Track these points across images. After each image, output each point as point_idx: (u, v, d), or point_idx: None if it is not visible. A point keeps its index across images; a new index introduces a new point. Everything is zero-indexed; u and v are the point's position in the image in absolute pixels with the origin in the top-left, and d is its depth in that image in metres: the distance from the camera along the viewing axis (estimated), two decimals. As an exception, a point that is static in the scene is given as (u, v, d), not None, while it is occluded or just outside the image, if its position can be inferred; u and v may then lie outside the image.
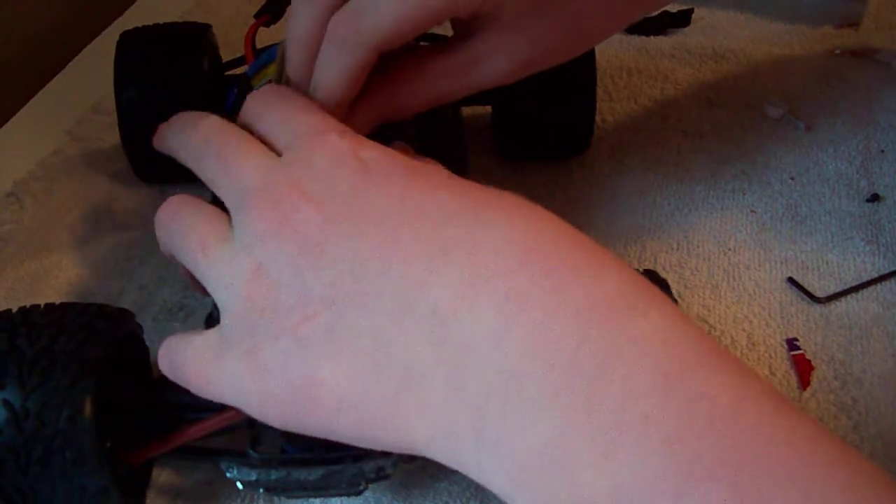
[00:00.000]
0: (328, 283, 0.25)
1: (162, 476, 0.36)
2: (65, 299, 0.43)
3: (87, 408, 0.29)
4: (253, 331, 0.26)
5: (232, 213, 0.28)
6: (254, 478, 0.30)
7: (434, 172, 0.28)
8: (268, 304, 0.26)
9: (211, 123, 0.31)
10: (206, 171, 0.30)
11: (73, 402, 0.28)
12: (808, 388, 0.38)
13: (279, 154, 0.29)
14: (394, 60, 0.34)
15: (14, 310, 0.31)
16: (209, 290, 0.28)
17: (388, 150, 0.28)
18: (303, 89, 0.35)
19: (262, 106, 0.31)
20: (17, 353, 0.29)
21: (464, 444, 0.24)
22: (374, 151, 0.28)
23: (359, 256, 0.25)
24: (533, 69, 0.35)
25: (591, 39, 0.38)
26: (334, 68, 0.32)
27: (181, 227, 0.29)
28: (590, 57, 0.47)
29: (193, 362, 0.28)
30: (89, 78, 0.59)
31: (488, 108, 0.50)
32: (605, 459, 0.21)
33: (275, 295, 0.26)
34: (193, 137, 0.31)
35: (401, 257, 0.25)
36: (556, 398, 0.22)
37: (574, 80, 0.47)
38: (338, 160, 0.27)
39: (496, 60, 0.34)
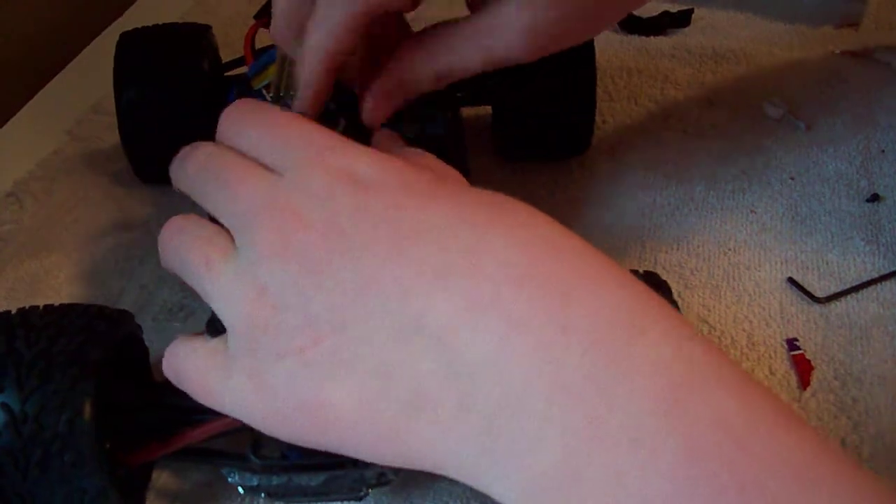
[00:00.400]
0: (332, 307, 0.25)
1: (161, 478, 0.35)
2: (65, 299, 0.44)
3: (87, 410, 0.28)
4: (257, 350, 0.26)
5: (234, 235, 0.28)
6: (255, 483, 0.30)
7: (432, 183, 0.27)
8: (271, 324, 0.26)
9: (205, 151, 0.31)
10: (207, 197, 0.30)
11: (72, 405, 0.28)
12: (808, 388, 0.38)
13: (271, 170, 0.29)
14: (407, 37, 0.34)
15: (13, 311, 0.31)
16: (213, 306, 0.28)
17: (385, 161, 0.28)
18: (285, 48, 0.35)
19: (243, 121, 0.31)
20: (16, 356, 0.29)
21: (474, 465, 0.24)
22: (370, 166, 0.27)
23: (359, 282, 0.25)
24: (550, 44, 0.34)
25: (609, 15, 0.37)
26: (326, 27, 0.32)
27: (184, 244, 0.29)
28: (590, 57, 0.47)
29: (197, 372, 0.28)
30: (89, 78, 0.59)
31: (488, 109, 0.50)
32: (612, 486, 0.21)
33: (279, 316, 0.26)
34: (191, 167, 0.31)
35: (400, 284, 0.25)
36: (562, 424, 0.22)
37: (574, 80, 0.47)
38: (335, 181, 0.27)
39: (512, 30, 0.33)
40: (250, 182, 0.28)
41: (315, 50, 0.33)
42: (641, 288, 0.25)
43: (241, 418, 0.27)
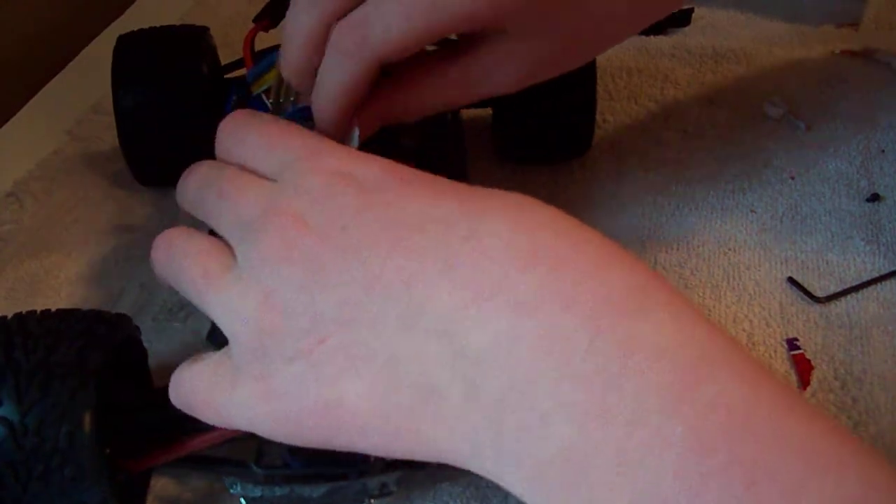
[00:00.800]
0: (337, 306, 0.25)
1: (160, 483, 0.35)
2: (64, 300, 0.44)
3: (87, 422, 0.28)
4: (264, 357, 0.26)
5: (235, 245, 0.28)
6: (258, 494, 0.30)
7: (431, 179, 0.28)
8: (278, 329, 0.26)
9: (206, 167, 0.31)
10: (209, 212, 0.30)
11: (72, 417, 0.28)
12: (808, 388, 0.38)
13: (272, 179, 0.29)
14: (399, 65, 0.34)
15: (9, 317, 0.31)
16: (214, 319, 0.28)
17: (382, 162, 0.28)
18: (297, 89, 0.35)
19: (239, 132, 0.31)
20: (14, 366, 0.29)
21: (484, 453, 0.24)
22: (368, 167, 0.28)
23: (364, 278, 0.25)
24: (540, 78, 0.35)
25: (598, 49, 0.38)
26: (338, 79, 0.32)
27: (178, 256, 0.29)
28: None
29: (203, 394, 0.28)
30: (89, 78, 0.59)
31: (488, 110, 0.50)
32: (620, 471, 0.21)
33: (285, 320, 0.26)
34: (192, 184, 0.31)
35: (404, 277, 0.25)
36: (569, 410, 0.22)
37: (574, 82, 0.47)
38: (334, 183, 0.27)
39: (502, 72, 0.34)
40: (250, 191, 0.28)
41: (328, 99, 0.32)
42: (648, 270, 0.25)
43: (249, 429, 0.27)
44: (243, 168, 0.30)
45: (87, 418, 0.28)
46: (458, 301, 0.24)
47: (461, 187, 0.27)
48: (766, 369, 0.23)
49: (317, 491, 0.30)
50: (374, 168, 0.28)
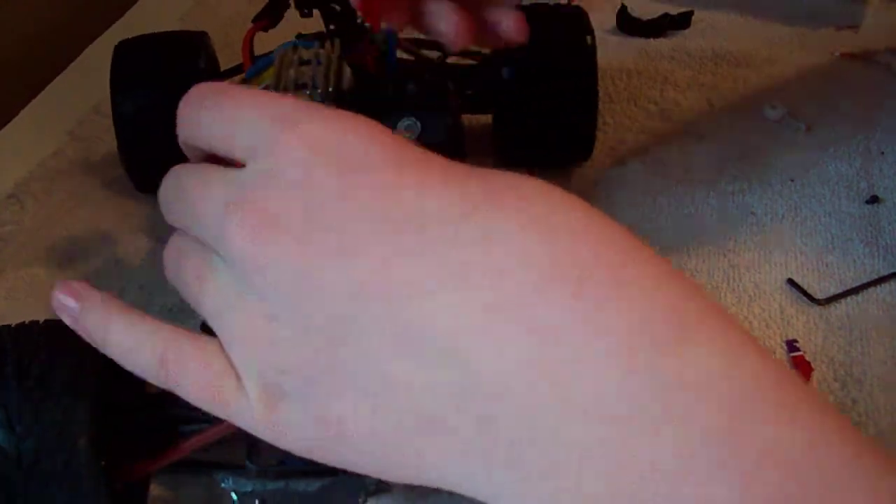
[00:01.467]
0: (327, 317, 0.22)
1: (157, 489, 0.35)
2: (65, 300, 0.43)
3: (84, 443, 0.28)
4: (255, 368, 0.24)
5: (214, 250, 0.24)
6: (250, 489, 0.30)
7: (427, 159, 0.23)
8: (265, 338, 0.23)
9: (175, 173, 0.26)
10: (183, 223, 0.26)
11: (69, 439, 0.28)
12: (808, 390, 0.38)
13: (241, 162, 0.24)
14: None
15: (4, 331, 0.30)
16: (209, 323, 0.25)
17: (370, 129, 0.23)
18: None
19: (195, 114, 0.25)
20: (9, 387, 0.28)
21: (486, 489, 0.21)
22: (352, 139, 0.22)
23: (355, 288, 0.21)
24: None
25: None
26: None
27: (178, 260, 0.27)
28: (590, 64, 0.47)
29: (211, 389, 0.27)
30: (90, 79, 0.59)
31: (489, 115, 0.50)
32: None
33: (272, 329, 0.23)
34: (169, 194, 0.27)
35: (401, 287, 0.21)
36: (601, 458, 0.19)
37: (575, 87, 0.47)
38: (313, 160, 0.22)
39: None
40: (213, 191, 0.24)
41: None
42: (688, 283, 0.21)
43: (248, 430, 0.26)
44: (211, 157, 0.25)
45: (84, 440, 0.28)
46: (465, 321, 0.20)
47: (466, 172, 0.22)
48: (827, 404, 0.19)
49: (311, 486, 0.30)
50: (361, 139, 0.22)
